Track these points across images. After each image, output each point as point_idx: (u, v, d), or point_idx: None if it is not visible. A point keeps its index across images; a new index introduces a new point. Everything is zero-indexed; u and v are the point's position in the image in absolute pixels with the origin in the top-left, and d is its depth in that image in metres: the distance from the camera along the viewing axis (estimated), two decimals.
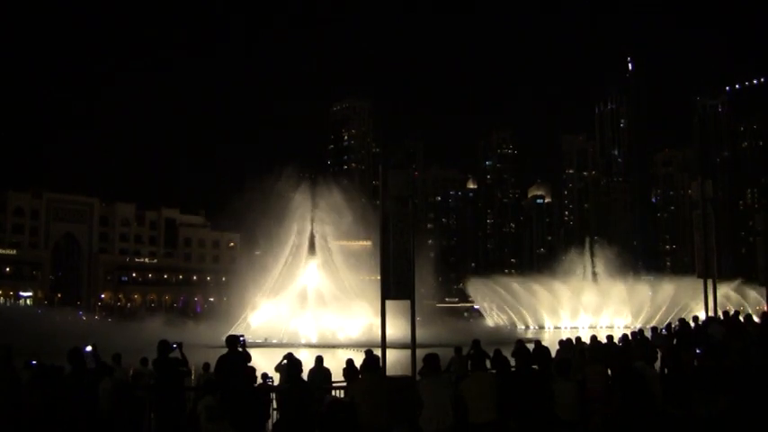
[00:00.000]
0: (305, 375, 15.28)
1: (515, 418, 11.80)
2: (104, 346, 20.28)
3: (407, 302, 16.78)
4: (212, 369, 17.01)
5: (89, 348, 18.22)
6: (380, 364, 14.09)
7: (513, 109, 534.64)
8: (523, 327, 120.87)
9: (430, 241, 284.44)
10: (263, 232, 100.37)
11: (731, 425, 12.11)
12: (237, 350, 14.99)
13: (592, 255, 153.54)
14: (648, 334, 23.72)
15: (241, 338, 15.71)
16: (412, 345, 16.70)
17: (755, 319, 31.01)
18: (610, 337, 22.08)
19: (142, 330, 70.16)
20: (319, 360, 18.57)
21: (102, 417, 11.69)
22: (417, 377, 13.79)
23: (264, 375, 19.13)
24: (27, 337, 43.20)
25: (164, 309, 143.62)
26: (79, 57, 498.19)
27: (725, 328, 21.08)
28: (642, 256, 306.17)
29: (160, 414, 14.61)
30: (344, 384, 14.83)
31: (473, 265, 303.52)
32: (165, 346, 15.13)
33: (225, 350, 15.10)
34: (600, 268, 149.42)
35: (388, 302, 16.83)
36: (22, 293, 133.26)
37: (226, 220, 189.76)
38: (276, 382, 19.32)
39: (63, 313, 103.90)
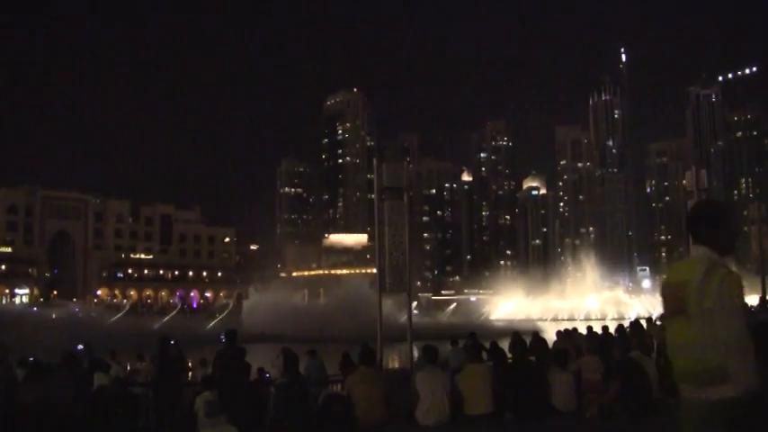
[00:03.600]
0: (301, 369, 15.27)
1: (512, 408, 11.84)
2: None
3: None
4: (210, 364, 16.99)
5: (80, 347, 18.32)
6: (377, 357, 14.10)
7: (507, 100, 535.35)
8: None
9: (425, 234, 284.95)
10: (258, 227, 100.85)
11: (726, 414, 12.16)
12: (235, 345, 14.99)
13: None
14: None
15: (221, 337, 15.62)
16: (408, 337, 16.72)
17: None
18: (605, 328, 22.14)
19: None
20: (312, 353, 18.55)
21: (97, 412, 11.70)
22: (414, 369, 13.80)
23: (261, 370, 19.13)
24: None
25: (160, 305, 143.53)
26: (74, 51, 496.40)
27: None
28: (637, 248, 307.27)
29: (158, 409, 14.62)
30: (341, 378, 14.83)
31: (468, 257, 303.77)
32: (164, 341, 15.14)
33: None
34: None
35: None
36: (17, 291, 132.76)
37: (221, 215, 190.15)
38: (273, 377, 19.32)
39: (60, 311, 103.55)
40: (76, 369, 13.06)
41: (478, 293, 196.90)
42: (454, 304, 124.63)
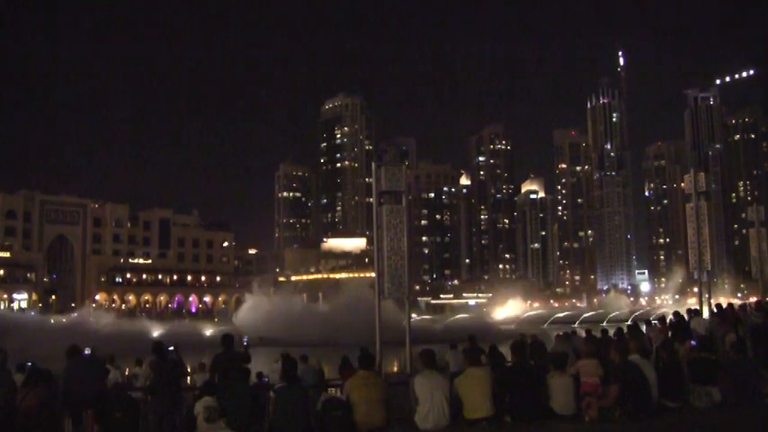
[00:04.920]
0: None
1: (511, 412, 11.83)
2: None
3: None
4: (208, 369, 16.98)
5: (87, 351, 18.32)
6: (376, 360, 14.09)
7: (505, 104, 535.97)
8: None
9: (424, 238, 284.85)
10: (257, 231, 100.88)
11: (726, 416, 12.17)
12: (233, 349, 14.96)
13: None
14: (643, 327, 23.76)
15: (244, 340, 15.67)
16: (407, 341, 16.72)
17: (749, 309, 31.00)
18: (604, 331, 22.10)
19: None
20: (304, 358, 18.57)
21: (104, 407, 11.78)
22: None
23: (260, 374, 19.13)
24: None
25: (158, 310, 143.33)
26: (74, 56, 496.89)
27: (718, 320, 21.12)
28: (636, 251, 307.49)
29: (157, 414, 14.59)
30: (340, 382, 14.81)
31: (467, 261, 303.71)
32: (161, 346, 15.11)
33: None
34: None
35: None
36: (15, 296, 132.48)
37: (220, 219, 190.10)
38: (271, 381, 19.31)
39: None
40: (83, 362, 13.09)
41: (477, 297, 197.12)
42: (463, 315, 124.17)
